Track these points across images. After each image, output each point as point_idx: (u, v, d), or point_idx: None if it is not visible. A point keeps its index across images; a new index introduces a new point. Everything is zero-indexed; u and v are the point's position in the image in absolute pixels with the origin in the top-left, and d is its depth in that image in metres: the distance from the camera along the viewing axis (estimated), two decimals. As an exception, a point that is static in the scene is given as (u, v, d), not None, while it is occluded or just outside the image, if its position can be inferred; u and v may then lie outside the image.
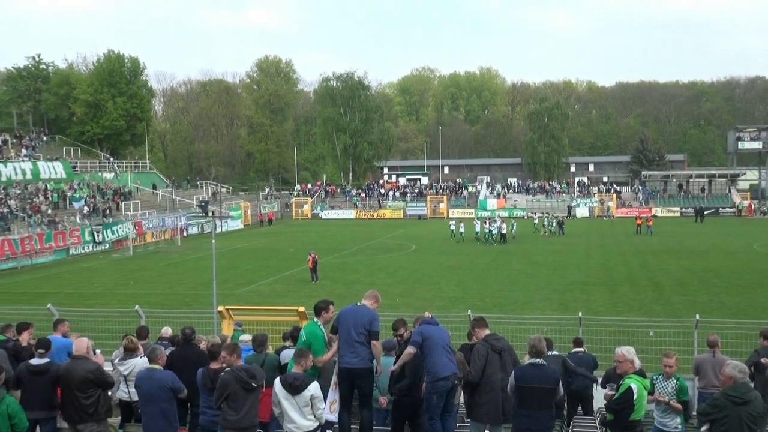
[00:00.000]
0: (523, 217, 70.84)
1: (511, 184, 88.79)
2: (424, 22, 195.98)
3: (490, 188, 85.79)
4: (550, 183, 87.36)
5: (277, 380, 8.40)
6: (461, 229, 52.90)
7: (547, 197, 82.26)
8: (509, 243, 49.64)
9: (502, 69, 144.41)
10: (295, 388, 8.15)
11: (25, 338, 11.41)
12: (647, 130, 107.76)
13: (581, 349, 12.71)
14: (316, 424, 8.28)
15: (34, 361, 9.54)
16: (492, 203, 79.44)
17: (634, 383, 8.31)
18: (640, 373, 8.67)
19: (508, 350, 8.91)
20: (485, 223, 51.61)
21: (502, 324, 16.70)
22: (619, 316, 22.01)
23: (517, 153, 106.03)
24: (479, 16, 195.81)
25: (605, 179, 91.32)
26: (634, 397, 8.26)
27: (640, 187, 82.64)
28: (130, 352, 10.62)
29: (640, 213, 67.49)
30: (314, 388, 8.25)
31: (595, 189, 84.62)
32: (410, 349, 8.94)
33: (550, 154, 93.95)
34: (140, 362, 10.34)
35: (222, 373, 8.54)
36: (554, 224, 56.42)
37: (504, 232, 50.32)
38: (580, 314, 15.91)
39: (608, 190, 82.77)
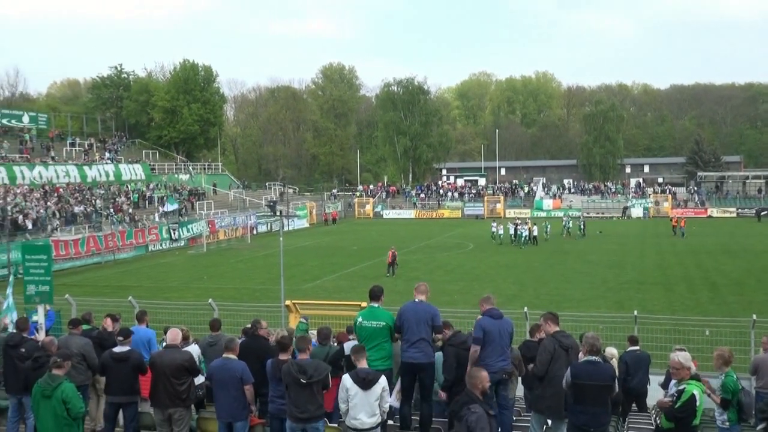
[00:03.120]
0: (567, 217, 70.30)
1: (566, 185, 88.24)
2: (482, 28, 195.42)
3: (545, 189, 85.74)
4: (606, 184, 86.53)
5: (347, 376, 8.39)
6: (500, 231, 52.43)
7: (602, 198, 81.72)
8: (541, 244, 49.19)
9: (558, 73, 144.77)
10: (368, 382, 8.19)
11: (109, 325, 11.96)
12: (702, 131, 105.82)
13: (636, 348, 12.77)
14: (379, 420, 8.32)
15: (117, 349, 9.98)
16: (548, 204, 79.31)
17: (696, 389, 7.96)
18: (696, 378, 8.43)
19: (575, 348, 8.90)
20: (517, 225, 51.64)
21: (557, 321, 17.31)
22: (675, 315, 21.64)
23: (573, 155, 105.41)
24: (535, 21, 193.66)
25: (660, 180, 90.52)
26: (697, 404, 7.93)
27: (695, 188, 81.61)
28: (185, 340, 11.36)
29: (675, 214, 64.98)
30: (384, 381, 8.36)
31: (650, 190, 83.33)
32: (475, 348, 9.14)
33: (605, 156, 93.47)
34: (195, 350, 11.03)
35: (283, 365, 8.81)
36: (580, 226, 55.74)
37: (536, 234, 49.97)
38: (635, 312, 15.88)
39: (663, 191, 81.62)
